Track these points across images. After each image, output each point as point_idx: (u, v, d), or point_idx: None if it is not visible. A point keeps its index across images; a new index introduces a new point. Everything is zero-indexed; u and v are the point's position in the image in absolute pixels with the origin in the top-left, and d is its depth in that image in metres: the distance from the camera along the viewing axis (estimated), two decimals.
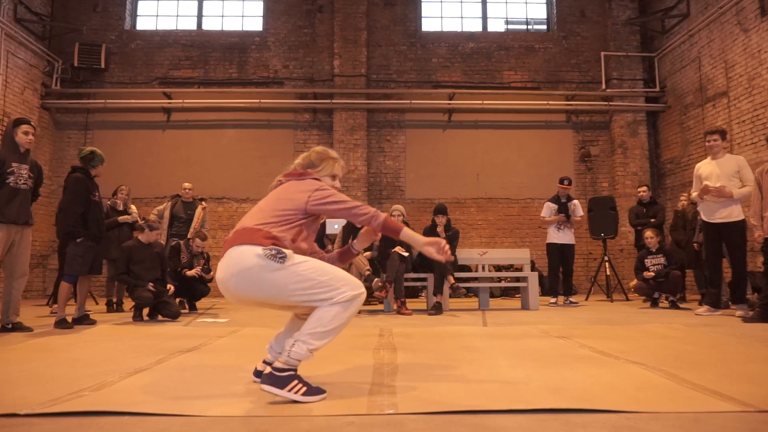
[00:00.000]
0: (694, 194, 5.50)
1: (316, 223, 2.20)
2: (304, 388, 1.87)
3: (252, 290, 1.97)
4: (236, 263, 1.96)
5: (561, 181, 7.13)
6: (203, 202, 7.04)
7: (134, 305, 5.24)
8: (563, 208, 7.00)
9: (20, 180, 4.27)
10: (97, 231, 4.72)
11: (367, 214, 2.09)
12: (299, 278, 1.93)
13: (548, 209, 7.11)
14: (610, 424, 1.60)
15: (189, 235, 6.65)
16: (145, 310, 5.23)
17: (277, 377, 1.86)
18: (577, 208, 7.07)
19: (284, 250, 1.93)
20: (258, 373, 2.22)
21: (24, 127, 4.32)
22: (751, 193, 5.09)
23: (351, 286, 1.96)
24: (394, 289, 5.95)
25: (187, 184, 6.98)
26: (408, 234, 2.12)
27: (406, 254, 6.09)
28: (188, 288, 6.12)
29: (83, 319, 4.75)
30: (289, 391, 1.85)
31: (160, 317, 5.26)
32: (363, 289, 2.00)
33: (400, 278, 5.95)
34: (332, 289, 1.93)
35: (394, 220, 2.14)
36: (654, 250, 6.45)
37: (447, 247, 2.08)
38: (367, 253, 5.97)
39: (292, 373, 1.88)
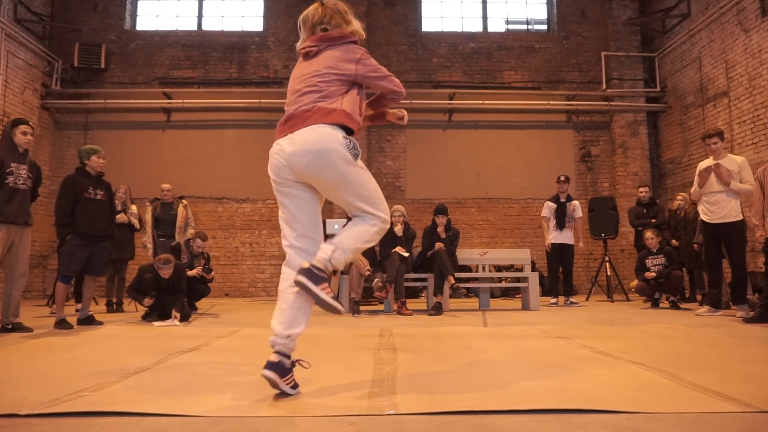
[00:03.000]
0: (695, 190, 5.48)
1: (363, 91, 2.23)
2: (332, 293, 1.96)
3: (319, 171, 2.01)
4: (319, 142, 1.99)
5: (558, 180, 7.15)
6: (183, 200, 7.01)
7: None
8: (562, 209, 7.00)
9: (19, 180, 4.26)
10: (91, 229, 4.59)
11: (400, 88, 2.19)
12: (361, 180, 2.06)
13: (548, 209, 7.12)
14: (610, 424, 1.60)
15: (176, 234, 6.64)
16: (147, 301, 5.13)
17: (315, 274, 1.93)
18: (577, 209, 7.08)
19: (358, 146, 2.05)
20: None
21: (22, 128, 4.31)
22: (748, 191, 5.10)
23: (387, 211, 2.12)
24: (394, 290, 5.95)
25: (165, 185, 6.89)
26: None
27: (406, 254, 6.09)
28: (188, 288, 6.10)
29: (89, 321, 4.74)
30: (322, 290, 1.92)
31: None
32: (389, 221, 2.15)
33: (400, 278, 5.95)
34: (377, 204, 2.09)
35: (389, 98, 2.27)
36: (655, 251, 6.45)
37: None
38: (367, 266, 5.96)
39: (325, 275, 1.96)
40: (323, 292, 1.92)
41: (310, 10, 2.22)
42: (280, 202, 2.12)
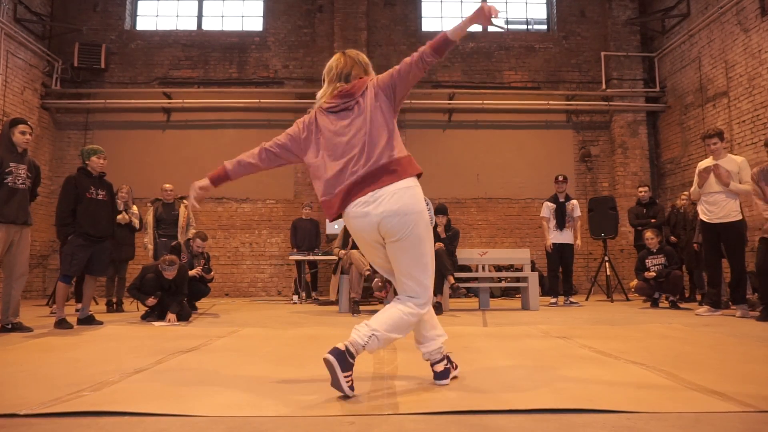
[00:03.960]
0: (694, 190, 5.47)
1: None
2: (351, 382, 1.94)
3: (401, 231, 1.98)
4: (411, 204, 1.99)
5: (557, 179, 7.15)
6: (185, 200, 7.00)
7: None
8: (561, 209, 7.00)
9: (18, 180, 4.26)
10: (93, 229, 4.58)
11: (414, 57, 2.09)
12: (428, 250, 2.06)
13: (547, 209, 7.12)
14: (610, 424, 1.60)
15: (178, 234, 6.64)
16: (151, 301, 5.14)
17: (346, 359, 1.91)
18: (576, 208, 7.08)
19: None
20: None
21: (21, 127, 4.31)
22: (748, 192, 5.10)
23: (431, 290, 2.10)
24: (394, 289, 5.94)
25: (167, 185, 6.87)
26: (454, 30, 2.04)
27: None
28: (189, 288, 6.10)
29: (89, 321, 4.74)
30: (345, 377, 1.91)
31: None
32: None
33: None
34: (428, 279, 2.07)
35: (434, 41, 2.05)
36: (654, 251, 6.45)
37: (492, 8, 2.00)
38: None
39: (353, 362, 1.95)
40: (344, 380, 1.89)
41: (333, 60, 2.24)
42: (370, 257, 2.19)
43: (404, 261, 2.04)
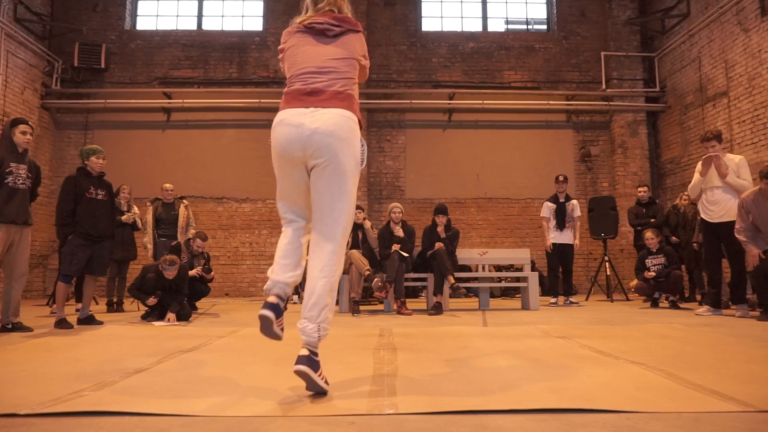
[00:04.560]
0: (693, 185, 5.44)
1: None
2: (325, 378, 2.00)
3: (330, 157, 1.99)
4: (346, 130, 2.02)
5: (557, 179, 7.15)
6: (184, 201, 7.00)
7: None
8: (562, 209, 7.00)
9: (19, 180, 4.27)
10: (93, 229, 4.59)
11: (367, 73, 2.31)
12: (352, 191, 2.07)
13: (547, 209, 7.12)
14: (610, 424, 1.60)
15: (178, 234, 6.64)
16: (151, 300, 5.14)
17: (314, 360, 1.95)
18: (576, 208, 7.08)
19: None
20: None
21: (22, 127, 4.32)
22: (744, 187, 5.10)
23: (343, 249, 2.11)
24: (394, 289, 5.95)
25: (167, 185, 6.88)
26: None
27: (406, 255, 6.09)
28: (189, 288, 6.10)
29: (89, 320, 4.74)
30: (319, 376, 1.95)
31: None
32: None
33: (400, 278, 5.95)
34: (346, 227, 2.07)
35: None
36: (654, 251, 6.45)
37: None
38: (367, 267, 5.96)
39: (318, 357, 2.00)
40: (320, 379, 1.94)
41: None
42: (279, 176, 2.15)
43: (325, 193, 2.01)
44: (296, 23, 2.24)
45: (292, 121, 2.02)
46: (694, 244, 6.66)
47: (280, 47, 2.31)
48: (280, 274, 2.07)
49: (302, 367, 1.91)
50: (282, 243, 2.15)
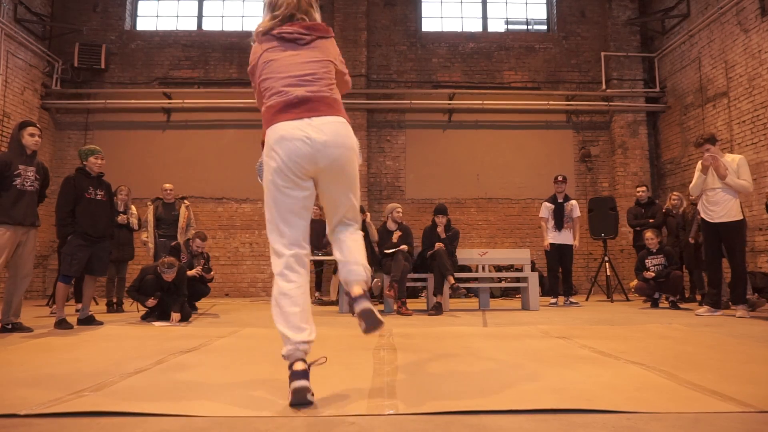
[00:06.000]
0: (694, 185, 5.44)
1: None
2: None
3: (343, 167, 2.04)
4: (350, 137, 2.07)
5: (556, 180, 7.15)
6: (186, 201, 6.99)
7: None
8: (560, 209, 7.00)
9: (27, 182, 4.28)
10: (92, 229, 4.59)
11: (349, 87, 2.31)
12: (358, 184, 2.16)
13: (546, 210, 7.12)
14: (610, 424, 1.60)
15: (178, 234, 6.64)
16: (150, 302, 5.13)
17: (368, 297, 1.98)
18: (575, 208, 7.07)
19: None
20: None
21: (30, 129, 4.34)
22: (743, 187, 5.11)
23: None
24: (395, 289, 5.94)
25: (167, 185, 6.88)
26: None
27: (405, 248, 6.09)
28: (189, 288, 6.10)
29: (89, 321, 4.74)
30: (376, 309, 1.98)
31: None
32: None
33: (403, 278, 5.95)
34: (359, 210, 2.20)
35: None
36: (654, 251, 6.45)
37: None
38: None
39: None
40: (377, 312, 1.94)
41: None
42: (278, 198, 2.00)
43: (348, 199, 2.11)
44: (260, 33, 2.22)
45: (298, 135, 1.97)
46: (690, 239, 6.64)
47: (250, 62, 2.28)
48: (297, 333, 1.89)
49: (363, 305, 1.91)
50: (287, 287, 1.95)
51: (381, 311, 6.28)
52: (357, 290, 1.96)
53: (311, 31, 2.16)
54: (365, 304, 1.91)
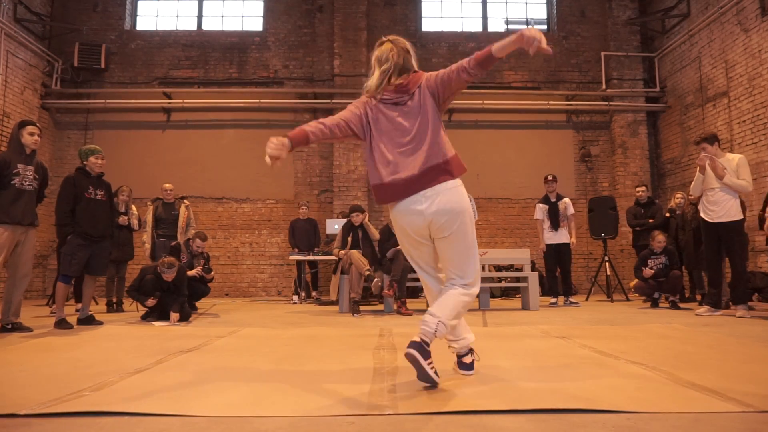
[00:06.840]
0: (694, 185, 5.43)
1: None
2: (435, 368, 2.10)
3: (451, 227, 2.14)
4: (459, 201, 2.15)
5: (546, 179, 7.13)
6: (185, 200, 6.99)
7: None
8: (554, 208, 6.99)
9: (25, 181, 4.28)
10: (92, 229, 4.59)
11: (455, 68, 2.12)
12: (474, 241, 2.23)
13: (540, 211, 7.11)
14: (610, 424, 1.60)
15: (178, 234, 6.63)
16: (150, 301, 5.13)
17: (424, 349, 2.06)
18: (569, 206, 7.06)
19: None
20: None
21: (29, 128, 4.33)
22: (742, 187, 5.10)
23: (479, 276, 2.29)
24: (396, 288, 5.94)
25: (167, 185, 6.87)
26: (499, 47, 2.03)
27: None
28: (189, 288, 6.10)
29: (89, 321, 4.73)
30: (428, 365, 2.06)
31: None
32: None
33: (403, 277, 5.94)
34: (477, 270, 2.24)
35: (479, 56, 2.05)
36: (658, 252, 6.44)
37: (532, 38, 1.93)
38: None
39: (430, 349, 2.10)
40: (429, 367, 2.05)
41: (385, 49, 2.27)
42: (410, 250, 2.31)
43: (453, 253, 2.20)
44: (370, 93, 2.28)
45: (411, 210, 2.17)
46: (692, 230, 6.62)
47: (355, 107, 2.29)
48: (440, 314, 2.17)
49: (412, 351, 2.02)
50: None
51: (381, 311, 6.29)
52: (415, 337, 2.09)
53: (407, 90, 2.22)
54: (412, 351, 2.04)
